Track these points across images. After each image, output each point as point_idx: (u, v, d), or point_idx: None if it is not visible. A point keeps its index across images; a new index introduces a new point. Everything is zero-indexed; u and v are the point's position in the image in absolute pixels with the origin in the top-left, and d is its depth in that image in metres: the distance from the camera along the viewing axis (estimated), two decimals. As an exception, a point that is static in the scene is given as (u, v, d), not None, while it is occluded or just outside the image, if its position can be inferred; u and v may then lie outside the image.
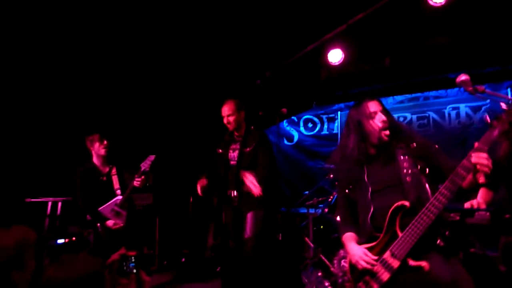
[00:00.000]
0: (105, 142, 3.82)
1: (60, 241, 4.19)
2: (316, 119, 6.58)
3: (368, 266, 2.01)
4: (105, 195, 3.75)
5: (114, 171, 3.92)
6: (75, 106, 5.26)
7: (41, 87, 4.86)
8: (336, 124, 6.39)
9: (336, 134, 6.35)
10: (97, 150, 3.83)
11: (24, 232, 1.48)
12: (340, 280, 3.92)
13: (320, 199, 4.63)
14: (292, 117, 6.64)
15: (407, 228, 1.91)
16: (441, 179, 1.99)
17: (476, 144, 1.81)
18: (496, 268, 2.57)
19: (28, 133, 5.09)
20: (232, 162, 3.67)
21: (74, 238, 4.86)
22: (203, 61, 5.16)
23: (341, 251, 3.99)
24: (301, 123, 6.67)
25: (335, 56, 4.92)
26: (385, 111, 2.18)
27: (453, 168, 1.88)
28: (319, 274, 4.13)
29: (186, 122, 6.01)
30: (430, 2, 3.94)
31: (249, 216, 3.51)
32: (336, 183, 2.39)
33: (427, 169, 2.06)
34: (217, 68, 5.33)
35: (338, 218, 4.32)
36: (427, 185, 2.04)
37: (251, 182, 3.43)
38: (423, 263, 1.88)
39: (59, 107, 5.17)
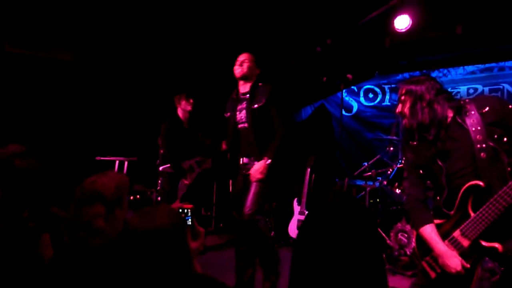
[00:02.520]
0: (191, 100, 4.43)
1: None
2: (377, 89, 6.34)
3: (459, 273, 1.89)
4: (186, 147, 4.38)
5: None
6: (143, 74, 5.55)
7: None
8: (399, 95, 6.13)
9: (398, 105, 6.10)
10: (184, 106, 4.42)
11: (120, 176, 1.67)
12: (396, 253, 3.89)
13: (379, 171, 4.54)
14: (352, 87, 6.45)
15: (481, 210, 1.82)
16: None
17: None
18: None
19: (98, 97, 5.45)
20: (240, 126, 3.20)
21: (138, 196, 5.20)
22: (264, 25, 5.11)
23: (399, 224, 3.94)
24: (361, 93, 6.46)
25: (402, 22, 4.64)
26: None
27: None
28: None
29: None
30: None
31: (254, 185, 3.04)
32: (404, 159, 2.23)
33: (505, 138, 1.87)
34: (278, 33, 5.27)
35: (398, 191, 4.25)
36: (505, 160, 1.86)
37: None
38: (496, 245, 1.82)
39: (132, 72, 5.50)
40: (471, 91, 5.40)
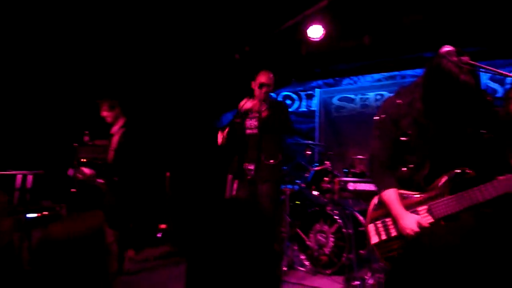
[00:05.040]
0: (105, 104, 4.19)
1: (31, 215, 4.09)
2: (294, 96, 6.57)
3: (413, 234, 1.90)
4: None
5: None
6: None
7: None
8: (314, 101, 6.40)
9: (314, 111, 6.36)
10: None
11: None
12: (316, 253, 4.02)
13: (298, 174, 4.68)
14: (271, 94, 6.58)
15: (459, 194, 1.85)
16: (501, 149, 1.92)
17: None
18: None
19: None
20: (248, 131, 3.70)
21: (46, 213, 4.75)
22: (185, 31, 5.02)
23: (317, 225, 4.08)
24: (280, 99, 6.64)
25: (316, 31, 4.88)
26: None
27: None
28: (295, 247, 4.21)
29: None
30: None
31: (265, 188, 3.55)
32: (380, 125, 2.12)
33: (492, 134, 1.93)
34: (198, 40, 5.21)
35: (315, 193, 4.40)
36: (491, 153, 1.92)
37: None
38: None
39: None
40: (378, 97, 5.81)
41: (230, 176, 4.92)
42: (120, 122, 4.19)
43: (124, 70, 5.46)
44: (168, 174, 5.51)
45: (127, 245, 4.20)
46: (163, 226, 5.40)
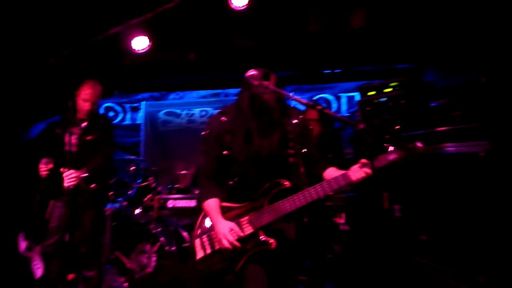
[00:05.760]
0: None
1: None
2: (118, 108, 6.21)
3: (229, 247, 1.99)
4: None
5: None
6: None
7: None
8: (140, 114, 6.17)
9: (139, 124, 6.14)
10: None
11: None
12: (137, 275, 3.82)
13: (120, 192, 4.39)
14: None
15: (274, 204, 2.00)
16: (310, 163, 2.12)
17: (364, 161, 1.89)
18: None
19: None
20: (67, 147, 3.21)
21: None
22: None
23: (139, 246, 3.88)
24: (101, 111, 6.18)
25: (141, 43, 4.71)
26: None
27: (322, 158, 2.13)
28: (115, 271, 3.92)
29: None
30: (232, 5, 4.15)
31: (86, 216, 3.24)
32: (206, 141, 2.21)
33: (304, 150, 2.11)
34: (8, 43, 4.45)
35: (137, 211, 4.18)
36: (302, 169, 2.06)
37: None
38: (271, 240, 1.98)
39: None
40: (204, 113, 5.97)
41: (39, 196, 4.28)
42: None
43: None
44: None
45: None
46: None
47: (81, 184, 3.14)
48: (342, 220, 3.59)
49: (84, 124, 3.31)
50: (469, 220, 2.72)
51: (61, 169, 3.11)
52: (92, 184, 3.23)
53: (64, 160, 3.19)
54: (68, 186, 3.03)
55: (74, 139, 3.24)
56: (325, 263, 3.34)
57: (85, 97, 3.28)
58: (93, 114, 3.38)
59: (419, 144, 1.83)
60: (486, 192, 2.65)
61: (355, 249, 3.64)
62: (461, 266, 2.66)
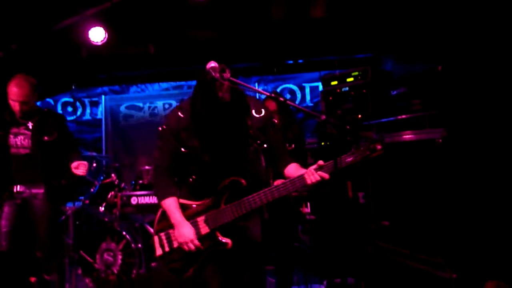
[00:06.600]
0: None
1: None
2: (76, 103, 5.99)
3: (193, 250, 1.97)
4: None
5: None
6: None
7: None
8: (100, 109, 5.97)
9: (100, 119, 5.94)
10: None
11: None
12: (103, 275, 3.73)
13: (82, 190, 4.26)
14: (47, 99, 5.83)
15: (231, 204, 1.97)
16: (272, 159, 2.11)
17: (321, 162, 1.88)
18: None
19: None
20: (13, 150, 3.01)
21: None
22: None
23: (104, 244, 3.79)
24: (59, 107, 5.94)
25: (97, 34, 4.53)
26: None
27: (285, 153, 2.11)
28: (79, 272, 3.80)
29: None
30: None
31: (43, 215, 3.05)
32: (162, 136, 2.11)
33: (265, 145, 2.07)
34: None
35: (101, 209, 4.07)
36: (263, 164, 2.05)
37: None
38: (228, 240, 1.97)
39: None
40: (167, 106, 5.86)
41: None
42: None
43: None
44: None
45: None
46: None
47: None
48: (308, 210, 3.64)
49: (30, 123, 3.05)
50: (428, 204, 2.83)
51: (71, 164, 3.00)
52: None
53: (10, 163, 3.01)
54: (80, 175, 3.01)
55: (21, 140, 3.03)
56: (292, 252, 3.38)
57: (12, 97, 2.92)
58: (39, 113, 3.10)
59: (378, 146, 1.86)
60: (444, 177, 2.76)
61: (321, 236, 3.71)
62: (422, 248, 2.76)
